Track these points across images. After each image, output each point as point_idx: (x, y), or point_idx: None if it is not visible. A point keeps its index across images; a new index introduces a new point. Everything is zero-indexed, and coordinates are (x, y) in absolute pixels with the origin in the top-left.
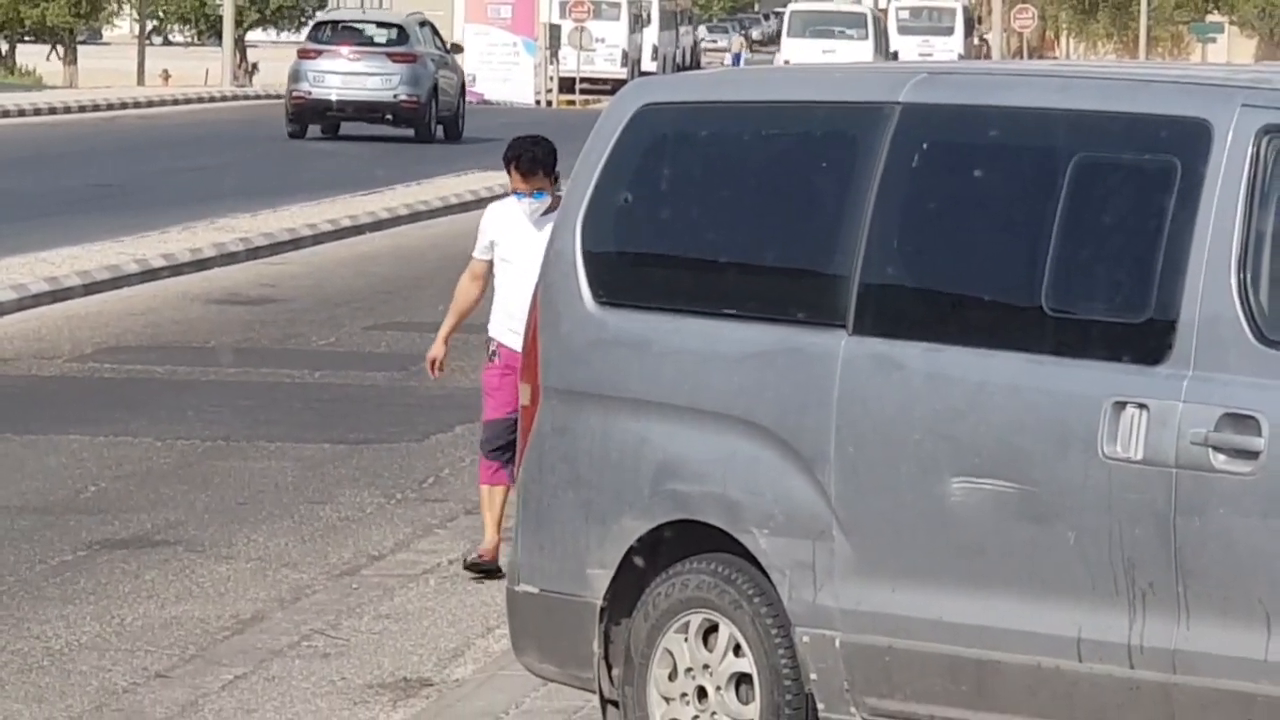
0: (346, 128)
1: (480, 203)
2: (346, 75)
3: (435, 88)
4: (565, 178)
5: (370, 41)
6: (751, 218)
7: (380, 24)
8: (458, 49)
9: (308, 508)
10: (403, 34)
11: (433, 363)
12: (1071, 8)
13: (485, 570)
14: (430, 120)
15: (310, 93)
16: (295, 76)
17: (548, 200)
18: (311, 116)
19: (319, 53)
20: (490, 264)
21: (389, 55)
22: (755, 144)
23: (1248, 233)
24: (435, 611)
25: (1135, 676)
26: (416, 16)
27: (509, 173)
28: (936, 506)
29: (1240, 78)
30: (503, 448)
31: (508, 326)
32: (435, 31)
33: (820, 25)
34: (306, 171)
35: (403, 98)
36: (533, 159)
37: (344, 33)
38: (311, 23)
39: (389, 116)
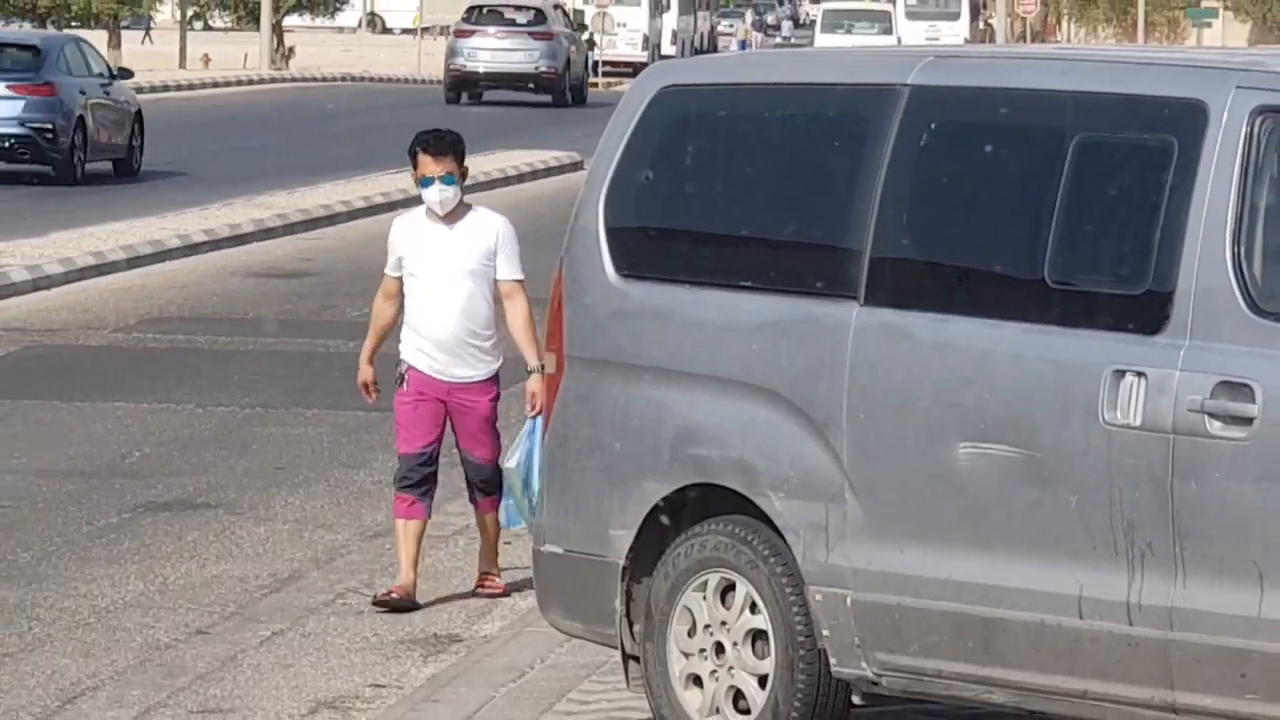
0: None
1: (522, 177)
2: (494, 51)
3: (568, 60)
4: (588, 155)
5: (513, 22)
6: (767, 194)
7: (520, 6)
8: (583, 27)
9: (343, 472)
10: (540, 15)
11: (365, 386)
12: None
13: (398, 608)
14: (565, 88)
15: (465, 66)
16: (452, 52)
17: (457, 189)
18: (465, 85)
19: (471, 32)
20: (401, 281)
21: (530, 33)
22: (771, 124)
23: (1242, 208)
24: (464, 571)
25: (1134, 633)
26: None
27: (415, 162)
28: (944, 471)
29: (1235, 60)
30: (419, 482)
31: (416, 347)
32: (565, 12)
33: (848, 21)
34: (333, 151)
35: (542, 69)
36: (440, 139)
37: (490, 15)
38: (466, 7)
39: (530, 85)
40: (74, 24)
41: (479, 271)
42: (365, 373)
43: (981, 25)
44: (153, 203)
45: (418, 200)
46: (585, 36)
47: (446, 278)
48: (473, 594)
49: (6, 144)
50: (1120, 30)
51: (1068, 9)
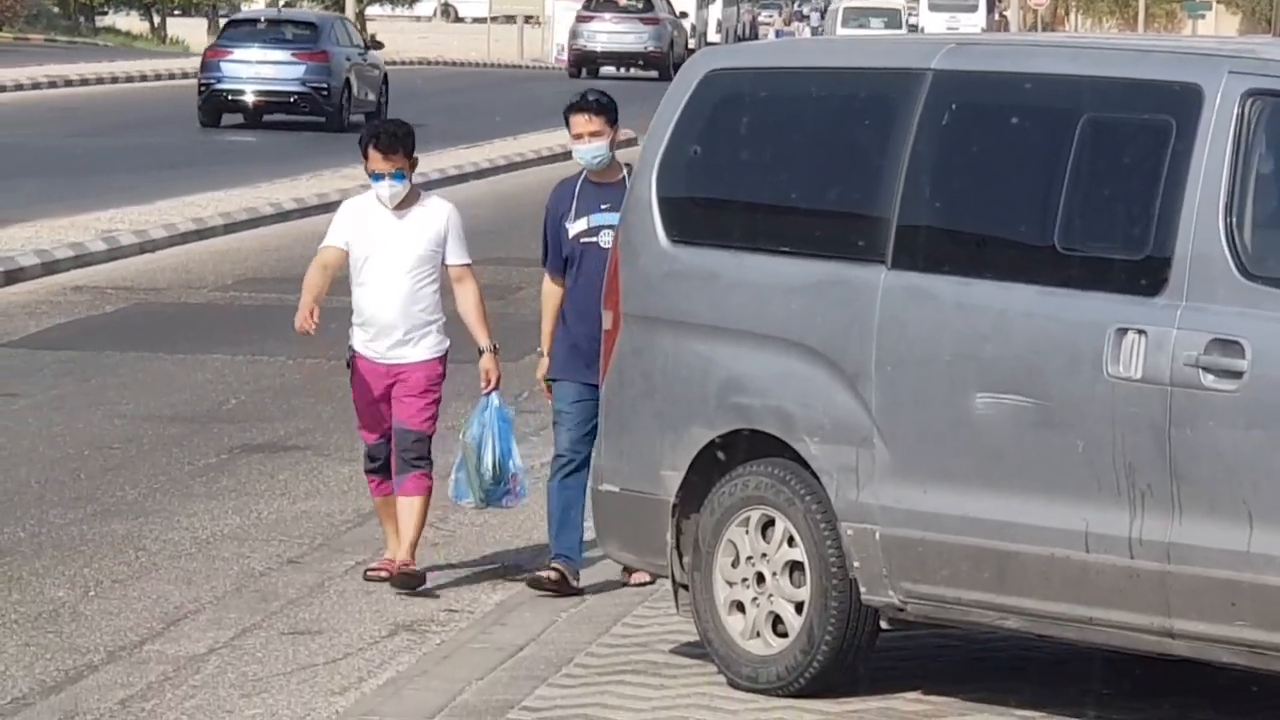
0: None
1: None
2: (610, 33)
3: (672, 41)
4: (640, 134)
5: (626, 9)
6: (804, 167)
7: None
8: (684, 15)
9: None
10: (649, 3)
11: (301, 326)
12: None
13: (407, 585)
14: (669, 65)
15: (585, 45)
16: (574, 35)
17: (407, 184)
18: (585, 62)
19: (591, 17)
20: (343, 254)
21: (640, 19)
22: (807, 104)
23: (1234, 182)
24: (530, 508)
25: (1135, 566)
26: None
27: (366, 155)
28: (963, 418)
29: (1228, 48)
30: (385, 464)
31: (362, 331)
32: (669, 1)
33: (862, 17)
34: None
35: (650, 49)
36: (392, 135)
37: (607, 4)
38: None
39: (640, 62)
40: (176, 12)
41: (427, 257)
42: (310, 304)
43: (997, 16)
44: (247, 174)
45: (494, 171)
46: (687, 21)
47: (395, 263)
48: (392, 579)
49: (291, 99)
50: (1123, 21)
51: (1075, 2)
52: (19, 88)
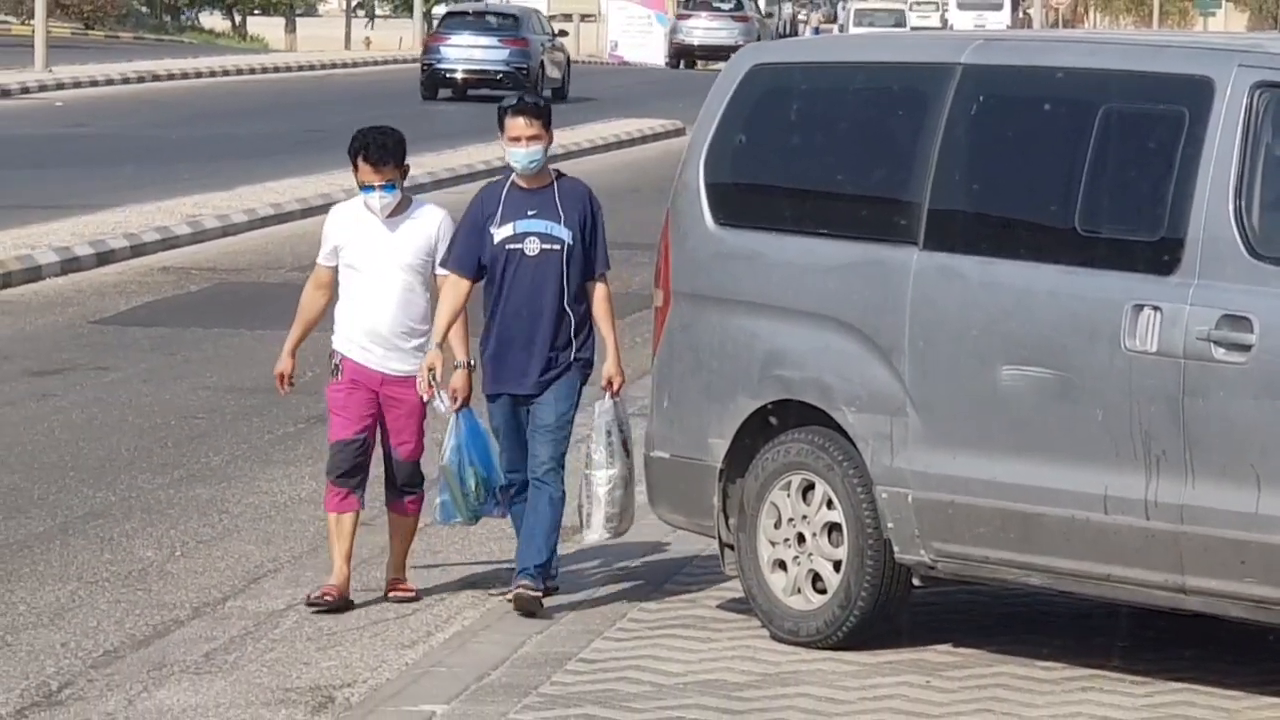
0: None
1: (633, 141)
2: (705, 29)
3: (759, 36)
4: (689, 123)
5: (720, 9)
6: (842, 155)
7: None
8: (770, 15)
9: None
10: (740, 3)
11: (280, 377)
12: None
13: (331, 608)
14: None
15: (684, 40)
16: (674, 31)
17: (398, 195)
18: (683, 55)
19: (689, 15)
20: (336, 271)
21: (732, 16)
22: (845, 96)
23: (1243, 168)
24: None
25: (1150, 526)
26: None
27: (355, 166)
28: (990, 389)
29: (1238, 43)
30: (351, 472)
31: (352, 339)
32: (757, 3)
33: (871, 18)
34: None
35: (742, 43)
36: (382, 148)
37: (703, 4)
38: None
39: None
40: (255, 11)
41: (418, 265)
42: (285, 364)
43: (1020, 14)
44: (323, 162)
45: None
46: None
47: (386, 271)
48: (384, 598)
49: (497, 77)
50: (1138, 18)
51: (1094, 0)
52: (110, 82)
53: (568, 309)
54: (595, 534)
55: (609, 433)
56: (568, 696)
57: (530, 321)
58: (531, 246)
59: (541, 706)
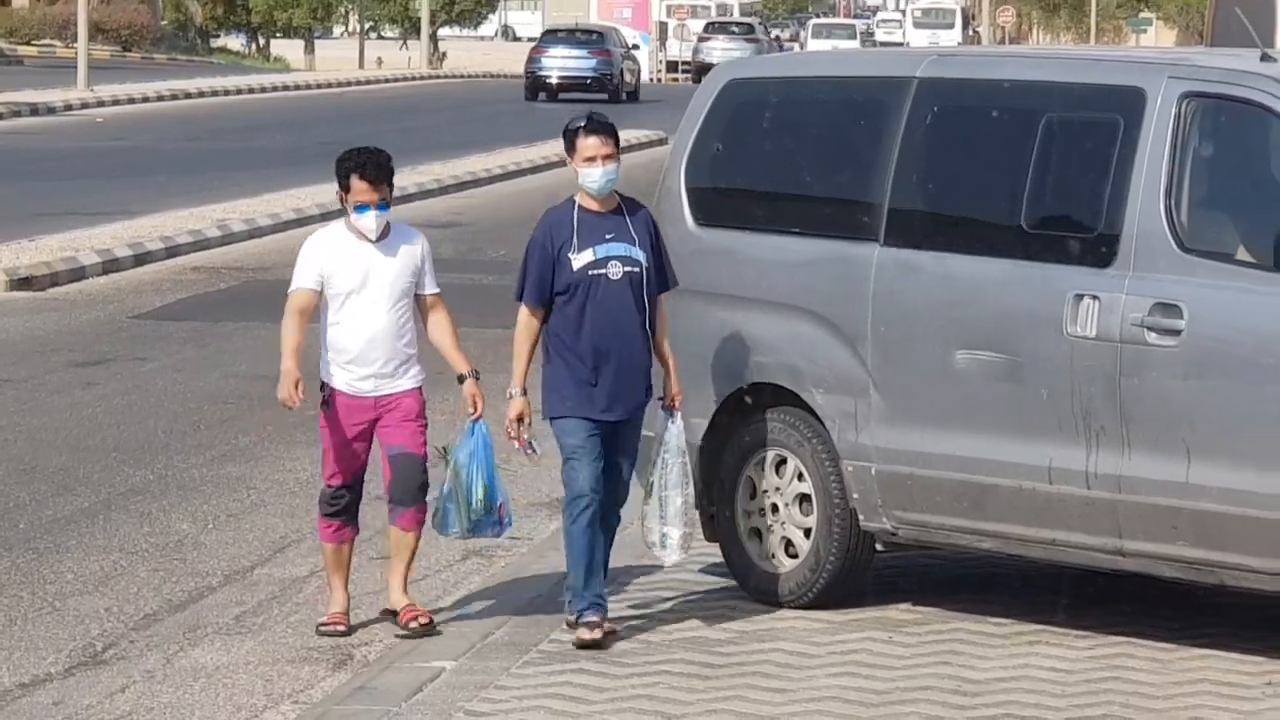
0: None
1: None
2: (723, 49)
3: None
4: (671, 133)
5: (734, 32)
6: (810, 161)
7: (739, 23)
8: (780, 41)
9: (488, 376)
10: (750, 28)
11: (291, 394)
12: (1040, 7)
13: (343, 635)
14: None
15: (705, 60)
16: (695, 52)
17: (388, 213)
18: (705, 72)
19: (709, 38)
20: (317, 296)
21: (745, 39)
22: (813, 107)
23: (1173, 170)
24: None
25: (1090, 495)
26: (753, 18)
27: (349, 185)
28: (945, 372)
29: (1167, 57)
30: (345, 509)
31: (345, 369)
32: (765, 27)
33: (829, 33)
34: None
35: None
36: (378, 165)
37: (721, 28)
38: (703, 24)
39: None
40: (278, 35)
41: (408, 289)
42: (290, 390)
43: (970, 32)
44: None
45: (549, 167)
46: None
47: (379, 296)
48: (404, 630)
49: (587, 81)
50: (1077, 35)
51: (1037, 19)
52: (146, 100)
53: (647, 330)
54: (675, 555)
55: (684, 451)
56: (564, 653)
57: (619, 345)
58: (615, 271)
59: (541, 661)
